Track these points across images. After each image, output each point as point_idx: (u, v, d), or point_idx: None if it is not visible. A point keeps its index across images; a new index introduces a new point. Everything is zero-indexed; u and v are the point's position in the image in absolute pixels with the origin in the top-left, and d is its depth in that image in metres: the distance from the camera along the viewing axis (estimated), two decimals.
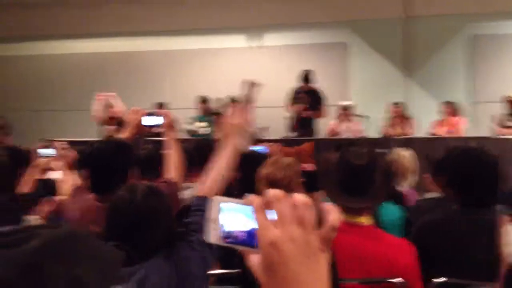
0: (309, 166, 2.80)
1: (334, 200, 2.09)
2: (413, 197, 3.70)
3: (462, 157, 2.24)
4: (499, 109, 6.84)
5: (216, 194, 2.01)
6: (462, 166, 2.18)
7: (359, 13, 8.86)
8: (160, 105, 7.99)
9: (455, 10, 8.44)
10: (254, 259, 0.66)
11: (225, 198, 0.70)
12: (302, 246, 0.64)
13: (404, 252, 1.96)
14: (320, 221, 0.67)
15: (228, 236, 0.68)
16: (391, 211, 2.86)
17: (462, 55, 8.61)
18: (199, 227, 1.90)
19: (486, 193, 2.10)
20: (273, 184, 2.39)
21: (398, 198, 3.40)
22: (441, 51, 8.64)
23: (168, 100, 8.85)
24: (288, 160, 2.55)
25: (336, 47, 9.11)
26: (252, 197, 0.67)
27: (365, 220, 2.01)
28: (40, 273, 0.57)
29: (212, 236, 0.68)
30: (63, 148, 3.35)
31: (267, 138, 6.86)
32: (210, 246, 1.88)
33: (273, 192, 0.66)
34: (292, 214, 0.65)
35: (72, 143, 6.91)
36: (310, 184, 2.52)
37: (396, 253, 1.92)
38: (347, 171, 2.01)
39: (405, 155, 3.98)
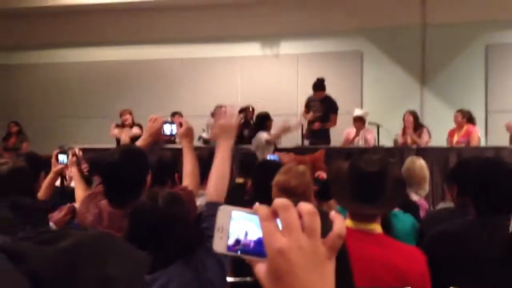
0: (323, 174, 2.81)
1: (346, 207, 2.11)
2: (424, 207, 3.69)
3: (478, 165, 2.24)
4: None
5: (223, 195, 2.08)
6: (479, 174, 2.18)
7: (375, 22, 8.85)
8: (175, 115, 8.06)
9: (471, 18, 8.40)
10: (261, 268, 0.66)
11: (235, 207, 0.70)
12: (310, 254, 0.64)
13: (416, 260, 1.96)
14: (326, 229, 0.67)
15: (237, 245, 0.68)
16: (403, 221, 2.86)
17: (476, 64, 8.55)
18: None
19: (502, 201, 2.10)
20: (288, 191, 2.40)
21: (412, 208, 3.40)
22: (457, 60, 8.59)
23: (185, 108, 8.93)
24: (302, 168, 2.56)
25: (352, 56, 9.12)
26: (257, 206, 0.67)
27: (376, 228, 2.02)
28: (73, 270, 0.59)
29: (219, 245, 0.69)
30: (73, 155, 3.40)
31: (280, 146, 6.90)
32: None
33: (279, 201, 0.67)
34: (298, 223, 0.65)
35: (90, 150, 7.05)
36: (324, 192, 2.54)
37: (408, 261, 1.93)
38: (358, 178, 2.01)
39: (421, 164, 3.97)
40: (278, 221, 0.66)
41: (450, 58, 8.60)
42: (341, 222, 0.67)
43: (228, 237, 0.69)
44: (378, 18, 8.82)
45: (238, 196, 3.27)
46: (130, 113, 8.09)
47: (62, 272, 0.57)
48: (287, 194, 2.36)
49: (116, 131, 7.96)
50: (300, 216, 0.66)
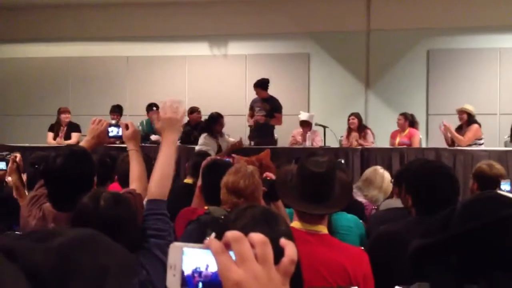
0: (271, 175, 2.81)
1: (294, 207, 2.14)
2: (369, 207, 3.77)
3: (420, 167, 2.32)
4: (452, 122, 7.06)
5: (166, 193, 2.05)
6: (419, 175, 2.26)
7: (323, 25, 9.00)
8: (116, 108, 7.85)
9: (413, 25, 8.70)
10: None
11: (186, 244, 0.71)
12: (266, 283, 0.66)
13: (360, 261, 2.01)
14: (277, 254, 0.69)
15: (198, 277, 0.69)
16: (347, 218, 2.91)
17: (418, 68, 8.86)
18: (156, 232, 1.89)
19: (439, 203, 2.16)
20: (236, 192, 2.38)
21: (357, 207, 3.47)
22: (400, 64, 8.87)
23: (129, 107, 8.74)
24: (251, 168, 2.54)
25: (299, 58, 9.22)
26: (209, 241, 0.68)
27: (323, 229, 2.05)
28: (69, 261, 0.62)
29: (172, 283, 0.69)
30: (13, 161, 3.28)
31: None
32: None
33: (231, 234, 0.68)
34: (252, 253, 0.67)
35: (26, 149, 6.76)
36: (272, 192, 2.54)
37: (352, 262, 1.97)
38: (307, 178, 2.05)
39: (382, 175, 3.94)
40: (231, 253, 0.67)
41: (393, 62, 8.87)
42: (292, 249, 0.70)
43: (182, 274, 0.69)
44: (325, 22, 8.97)
45: (185, 196, 3.23)
46: (69, 112, 7.83)
47: (56, 267, 0.60)
48: (236, 195, 2.34)
49: (52, 139, 7.66)
50: (252, 246, 0.68)
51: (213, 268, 0.68)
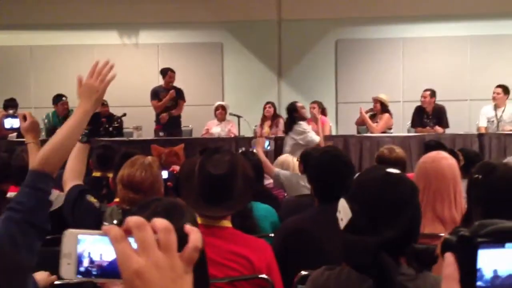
0: (177, 168, 2.75)
1: (193, 208, 2.09)
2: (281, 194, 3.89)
3: (318, 159, 2.42)
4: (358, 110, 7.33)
5: (54, 168, 1.79)
6: (318, 167, 2.38)
7: (235, 15, 9.01)
8: (10, 102, 7.38)
9: (323, 15, 8.94)
10: None
11: (81, 230, 0.67)
12: (167, 271, 0.63)
13: (264, 251, 2.03)
14: (181, 241, 0.67)
15: (89, 269, 0.66)
16: (262, 210, 2.95)
17: (327, 58, 9.13)
18: (14, 205, 1.69)
19: (339, 190, 2.25)
20: (133, 187, 2.22)
21: (268, 197, 3.54)
22: (310, 54, 9.08)
23: (33, 99, 8.28)
24: (148, 160, 2.38)
25: (212, 47, 9.18)
26: (108, 227, 0.65)
27: (225, 223, 2.03)
28: None
29: (67, 272, 0.66)
30: None
31: (141, 138, 6.74)
32: (33, 231, 1.70)
33: (132, 220, 0.64)
34: (154, 241, 0.64)
35: None
36: (177, 187, 2.48)
37: (256, 252, 1.99)
38: (206, 181, 1.96)
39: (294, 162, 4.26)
40: (131, 239, 0.64)
41: (303, 52, 9.07)
42: (196, 235, 0.67)
43: (78, 263, 0.66)
44: (237, 12, 8.98)
45: (95, 190, 3.15)
46: None
47: None
48: (133, 190, 2.18)
49: None
50: (154, 231, 0.65)
51: (110, 255, 0.66)
